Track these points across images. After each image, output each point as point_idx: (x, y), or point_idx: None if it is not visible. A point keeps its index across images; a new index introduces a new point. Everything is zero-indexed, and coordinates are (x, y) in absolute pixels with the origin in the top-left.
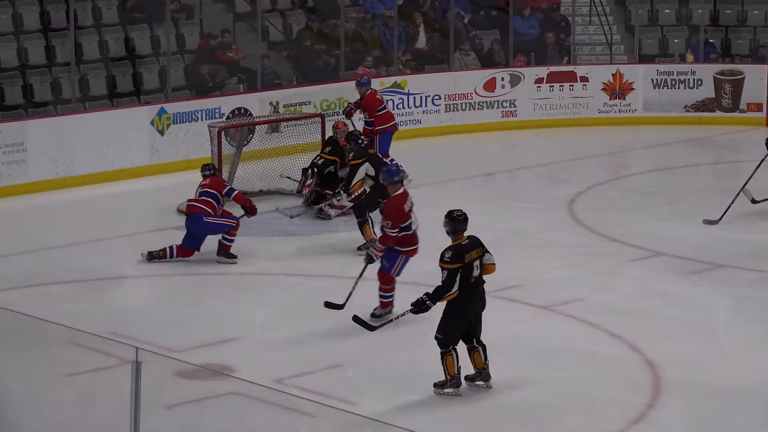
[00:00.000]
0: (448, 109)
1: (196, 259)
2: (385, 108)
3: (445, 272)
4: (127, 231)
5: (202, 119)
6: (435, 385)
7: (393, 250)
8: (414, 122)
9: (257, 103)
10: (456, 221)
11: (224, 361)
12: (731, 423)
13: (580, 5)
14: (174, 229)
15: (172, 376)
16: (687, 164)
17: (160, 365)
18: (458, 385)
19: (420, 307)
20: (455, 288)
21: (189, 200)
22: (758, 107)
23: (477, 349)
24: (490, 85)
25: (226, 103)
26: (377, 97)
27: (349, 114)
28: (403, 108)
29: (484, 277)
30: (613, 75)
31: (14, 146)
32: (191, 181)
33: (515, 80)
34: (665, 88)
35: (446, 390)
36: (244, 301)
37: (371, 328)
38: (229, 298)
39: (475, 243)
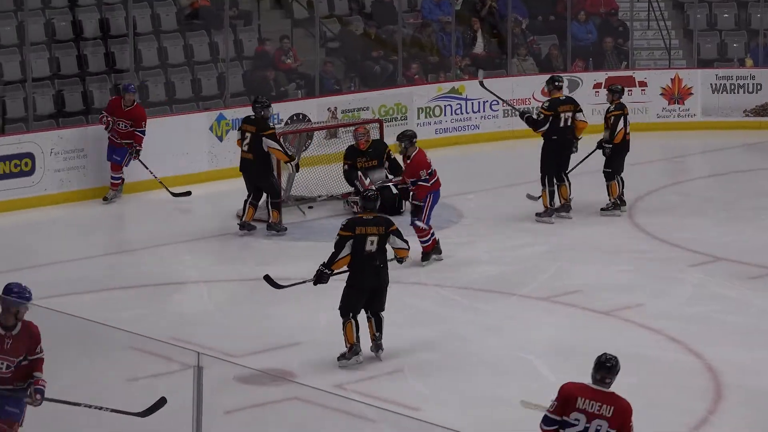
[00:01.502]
0: (506, 115)
1: (255, 263)
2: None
3: (336, 237)
4: (188, 236)
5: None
6: (338, 358)
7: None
8: (472, 128)
9: (315, 108)
10: (366, 199)
11: (285, 366)
12: None
13: (639, 10)
14: (234, 234)
15: (233, 381)
16: (746, 169)
17: (221, 370)
18: (357, 352)
19: (319, 276)
20: (344, 253)
21: None
22: None
23: (371, 319)
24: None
25: (284, 109)
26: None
27: None
28: (461, 113)
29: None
30: (672, 80)
31: (75, 152)
32: None
33: (573, 85)
34: (724, 92)
35: (349, 360)
36: (304, 306)
37: (279, 287)
38: (289, 303)
39: (379, 222)
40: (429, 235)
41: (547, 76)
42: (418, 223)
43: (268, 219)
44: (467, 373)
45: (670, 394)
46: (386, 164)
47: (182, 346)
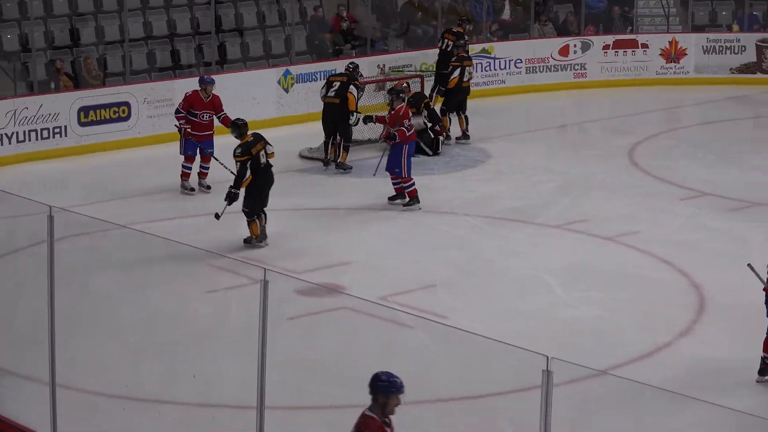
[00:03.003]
0: (528, 71)
1: (313, 195)
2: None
3: (239, 164)
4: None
5: (320, 79)
6: (244, 241)
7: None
8: (499, 82)
9: (367, 65)
10: (238, 126)
11: (337, 281)
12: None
13: None
14: (296, 171)
15: (293, 293)
16: (731, 118)
17: (284, 284)
18: (262, 240)
19: (230, 197)
20: (248, 174)
21: None
22: None
23: (262, 216)
24: (564, 51)
25: (340, 66)
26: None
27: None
28: (490, 70)
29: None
30: (670, 42)
31: (164, 101)
32: (311, 132)
33: (586, 47)
34: (714, 53)
35: (255, 244)
36: (353, 233)
37: (217, 217)
38: (340, 230)
39: (258, 138)
40: (411, 183)
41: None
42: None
43: (336, 158)
44: (491, 289)
45: (662, 307)
46: (424, 112)
47: (252, 263)
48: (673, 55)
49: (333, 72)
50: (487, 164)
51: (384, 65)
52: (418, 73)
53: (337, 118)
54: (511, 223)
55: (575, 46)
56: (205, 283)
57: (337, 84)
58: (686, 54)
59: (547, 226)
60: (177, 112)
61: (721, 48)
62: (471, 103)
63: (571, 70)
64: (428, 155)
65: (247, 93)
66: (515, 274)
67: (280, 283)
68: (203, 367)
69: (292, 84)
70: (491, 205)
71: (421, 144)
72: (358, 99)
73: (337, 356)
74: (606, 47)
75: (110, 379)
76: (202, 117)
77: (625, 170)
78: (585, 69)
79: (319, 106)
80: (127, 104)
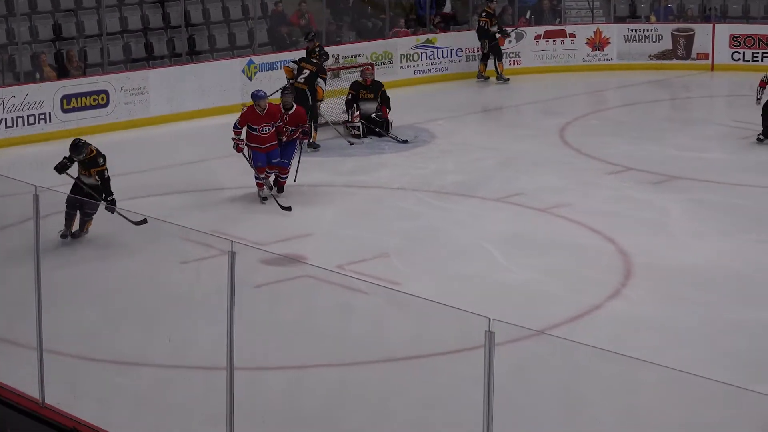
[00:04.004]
0: (468, 59)
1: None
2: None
3: (106, 173)
4: (225, 153)
5: (281, 68)
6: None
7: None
8: (442, 69)
9: None
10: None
11: (299, 252)
12: (686, 296)
13: None
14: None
15: (259, 263)
16: (651, 100)
17: (251, 255)
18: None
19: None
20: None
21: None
22: (705, 56)
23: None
24: (502, 40)
25: (298, 56)
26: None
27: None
28: (435, 58)
29: None
30: (594, 32)
31: (139, 90)
32: None
33: (519, 36)
34: (634, 42)
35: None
36: (314, 207)
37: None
38: (303, 204)
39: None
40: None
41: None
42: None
43: (309, 138)
44: (438, 257)
45: (592, 272)
46: (379, 99)
47: (221, 236)
48: (598, 43)
49: (312, 60)
50: (433, 144)
51: (338, 55)
52: (369, 62)
53: (304, 101)
54: (456, 196)
55: (511, 36)
56: (178, 255)
57: (307, 72)
58: (609, 43)
59: (487, 199)
60: (235, 126)
61: (640, 37)
62: (417, 89)
63: (507, 57)
64: (382, 136)
65: (215, 81)
66: (460, 243)
67: (247, 255)
68: (177, 332)
69: (256, 72)
70: (438, 181)
71: (375, 128)
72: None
73: (299, 320)
74: (538, 37)
75: (92, 343)
76: (262, 131)
77: (557, 148)
78: (519, 57)
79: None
80: (105, 92)
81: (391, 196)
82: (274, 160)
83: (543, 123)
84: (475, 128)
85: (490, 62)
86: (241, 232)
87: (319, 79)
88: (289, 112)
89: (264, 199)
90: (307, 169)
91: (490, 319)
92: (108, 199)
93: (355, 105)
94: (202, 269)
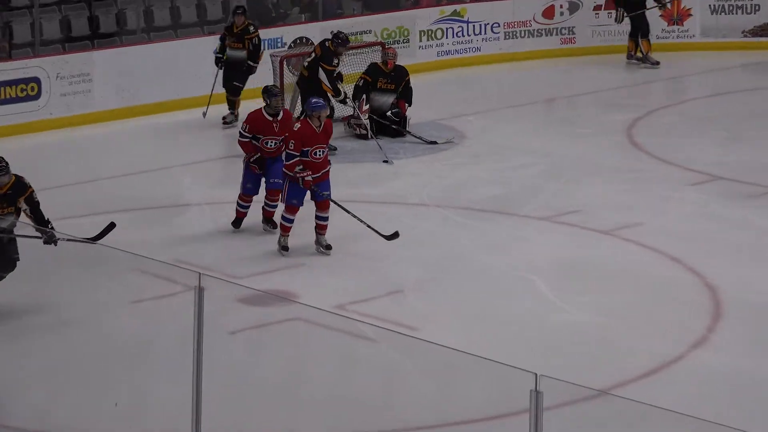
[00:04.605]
0: (507, 37)
1: (262, 186)
2: None
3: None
4: (192, 159)
5: (264, 49)
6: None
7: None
8: (473, 50)
9: (319, 32)
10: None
11: (287, 287)
12: None
13: None
14: (238, 157)
15: (235, 302)
16: (745, 89)
17: (224, 291)
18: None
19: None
20: None
21: None
22: None
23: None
24: (548, 13)
25: (287, 33)
26: None
27: None
28: (463, 36)
29: None
30: (671, 2)
31: (80, 77)
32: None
33: (574, 7)
34: (723, 13)
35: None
36: (306, 229)
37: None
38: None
39: None
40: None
41: None
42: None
43: None
44: (468, 293)
45: (669, 312)
46: (399, 91)
47: (184, 267)
48: (676, 16)
49: (326, 44)
50: (460, 146)
51: (338, 32)
52: (378, 40)
53: (304, 90)
54: (491, 214)
55: (561, 6)
56: (130, 292)
57: (314, 56)
58: (691, 15)
59: (532, 217)
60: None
61: (731, 7)
62: (440, 76)
63: (557, 35)
64: (398, 136)
65: (178, 65)
66: (496, 275)
67: (219, 290)
68: (128, 394)
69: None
70: (467, 194)
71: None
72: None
73: (288, 376)
74: (597, 7)
75: (19, 408)
76: (316, 154)
77: (623, 151)
78: (573, 33)
79: (264, 81)
80: (36, 80)
81: (407, 213)
82: (271, 180)
83: (605, 119)
84: (516, 126)
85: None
86: (211, 261)
87: (320, 70)
88: (278, 119)
89: (285, 249)
90: None
91: (536, 374)
92: (47, 229)
93: (365, 96)
94: (161, 310)
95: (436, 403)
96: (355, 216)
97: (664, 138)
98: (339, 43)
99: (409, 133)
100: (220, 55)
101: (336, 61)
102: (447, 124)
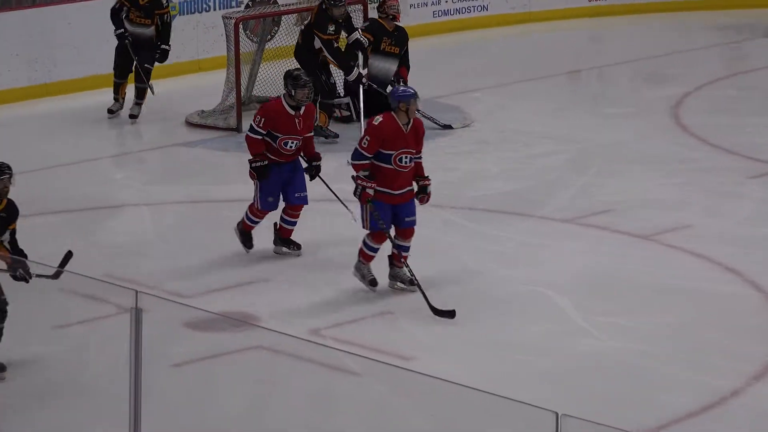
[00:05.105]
0: None
1: (211, 181)
2: None
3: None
4: (123, 150)
5: (215, 8)
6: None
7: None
8: (478, 9)
9: None
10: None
11: (247, 309)
12: None
13: None
14: (181, 145)
15: (181, 326)
16: None
17: (167, 313)
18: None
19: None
20: None
21: None
22: None
23: None
24: None
25: None
26: None
27: None
28: None
29: None
30: None
31: None
32: (203, 87)
33: None
34: None
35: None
36: (271, 236)
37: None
38: (254, 232)
39: None
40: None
41: None
42: None
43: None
44: (473, 315)
45: (724, 336)
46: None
47: (118, 285)
48: None
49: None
50: (465, 130)
51: None
52: None
53: (302, 64)
54: (503, 216)
55: None
56: (52, 315)
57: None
58: None
59: (553, 219)
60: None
61: None
62: (437, 41)
63: None
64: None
65: (103, 32)
66: (509, 291)
67: (162, 312)
68: None
69: (174, 16)
70: (473, 191)
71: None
72: (271, 37)
73: (248, 418)
74: None
75: None
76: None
77: (668, 135)
78: None
79: (214, 50)
80: None
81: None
82: (296, 194)
83: (645, 95)
84: (534, 104)
85: None
86: (151, 275)
87: (316, 39)
88: (301, 113)
89: (373, 283)
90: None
91: (557, 414)
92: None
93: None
94: (91, 337)
95: None
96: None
97: (719, 118)
98: (333, 3)
99: (418, 111)
100: (124, 31)
101: (332, 28)
102: (448, 102)
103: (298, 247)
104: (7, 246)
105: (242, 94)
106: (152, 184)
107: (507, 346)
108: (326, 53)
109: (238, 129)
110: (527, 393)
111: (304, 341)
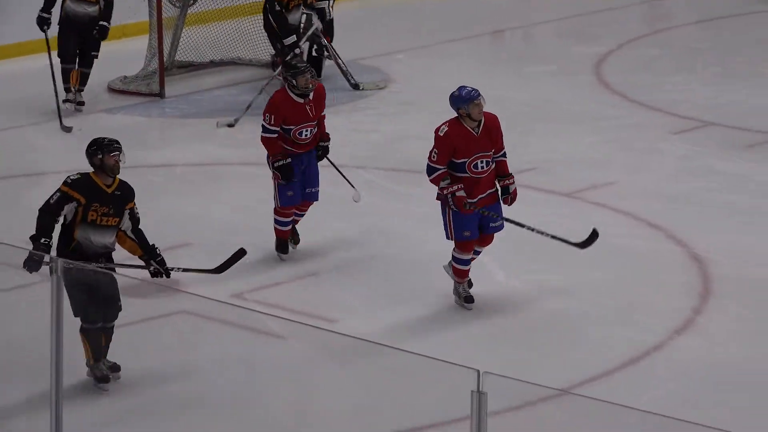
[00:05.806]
0: None
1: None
2: None
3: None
4: (44, 118)
5: None
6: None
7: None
8: None
9: None
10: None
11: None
12: None
13: None
14: (104, 111)
15: None
16: (740, 13)
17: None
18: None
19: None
20: None
21: None
22: None
23: None
24: None
25: None
26: None
27: None
28: None
29: None
30: None
31: None
32: (127, 54)
33: None
34: None
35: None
36: (194, 198)
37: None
38: (175, 195)
39: None
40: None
41: None
42: None
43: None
44: (398, 274)
45: (649, 292)
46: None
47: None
48: None
49: None
50: (387, 91)
51: None
52: None
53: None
54: (423, 177)
55: None
56: None
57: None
58: None
59: None
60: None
61: None
62: (366, 2)
63: None
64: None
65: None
66: (433, 250)
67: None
68: None
69: None
70: (396, 152)
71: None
72: (193, 2)
73: (171, 381)
74: None
75: None
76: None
77: (591, 92)
78: None
79: (136, 15)
80: None
81: (323, 178)
82: (307, 189)
83: (569, 52)
84: (457, 65)
85: None
86: None
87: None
88: (310, 99)
89: (469, 300)
90: (179, 138)
91: (479, 371)
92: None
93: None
94: (11, 305)
95: (360, 410)
96: (537, 230)
97: (640, 75)
98: None
99: (340, 64)
100: (47, 16)
101: None
102: (369, 64)
103: (297, 241)
104: (132, 236)
105: (165, 59)
106: (74, 152)
107: (431, 306)
108: (271, 16)
109: (161, 94)
110: (452, 351)
111: (227, 305)
